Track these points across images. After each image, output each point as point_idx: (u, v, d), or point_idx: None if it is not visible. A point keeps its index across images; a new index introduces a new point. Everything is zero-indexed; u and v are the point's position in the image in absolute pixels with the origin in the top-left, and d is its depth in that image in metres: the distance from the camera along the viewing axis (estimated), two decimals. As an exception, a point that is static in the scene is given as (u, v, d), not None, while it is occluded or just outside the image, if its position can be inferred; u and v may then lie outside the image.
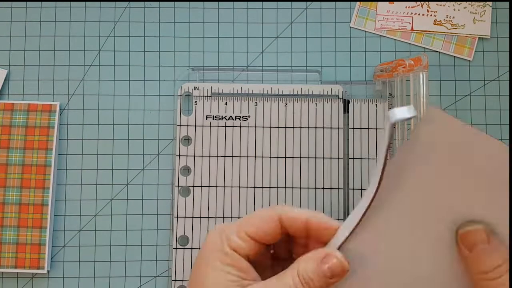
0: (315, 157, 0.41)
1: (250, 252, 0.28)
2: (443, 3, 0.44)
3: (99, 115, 0.43)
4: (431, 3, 0.44)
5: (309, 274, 0.27)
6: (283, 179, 0.41)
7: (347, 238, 0.27)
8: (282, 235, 0.29)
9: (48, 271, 0.41)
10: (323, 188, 0.41)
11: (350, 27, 0.44)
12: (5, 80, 0.43)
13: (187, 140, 0.42)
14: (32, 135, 0.41)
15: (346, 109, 0.42)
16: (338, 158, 0.41)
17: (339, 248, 0.27)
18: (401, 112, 0.24)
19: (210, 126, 0.42)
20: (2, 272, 0.41)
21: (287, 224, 0.28)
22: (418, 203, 0.27)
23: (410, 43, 0.44)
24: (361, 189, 0.41)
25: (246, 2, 0.44)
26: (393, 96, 0.41)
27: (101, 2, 0.44)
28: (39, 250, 0.40)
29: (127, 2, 0.44)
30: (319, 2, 0.44)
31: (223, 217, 0.41)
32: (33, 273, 0.41)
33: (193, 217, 0.41)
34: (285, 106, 0.42)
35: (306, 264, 0.27)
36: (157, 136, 0.43)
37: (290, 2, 0.44)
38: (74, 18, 0.44)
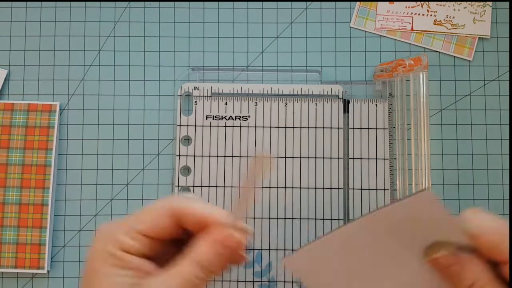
0: (315, 157, 0.41)
1: (147, 249, 0.26)
2: (443, 3, 0.44)
3: (99, 115, 0.43)
4: (431, 3, 0.44)
5: (203, 255, 0.26)
6: (283, 179, 0.41)
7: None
8: (181, 229, 0.27)
9: (48, 271, 0.41)
10: (323, 188, 0.41)
11: (350, 27, 0.44)
12: (5, 80, 0.43)
13: (187, 140, 0.42)
14: (32, 135, 0.41)
15: (346, 109, 0.42)
16: (338, 158, 0.41)
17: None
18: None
19: (210, 126, 0.42)
20: (2, 272, 0.41)
21: (182, 219, 0.27)
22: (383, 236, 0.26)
23: (410, 43, 0.44)
24: (361, 189, 0.41)
25: (246, 2, 0.44)
26: (393, 96, 0.41)
27: (101, 2, 0.44)
28: (39, 250, 0.40)
29: (127, 2, 0.44)
30: (319, 2, 0.44)
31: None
32: (33, 273, 0.41)
33: (193, 217, 0.41)
34: (285, 106, 0.42)
35: (202, 250, 0.26)
36: (157, 136, 0.43)
37: (290, 2, 0.44)
38: (74, 18, 0.44)
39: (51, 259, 0.41)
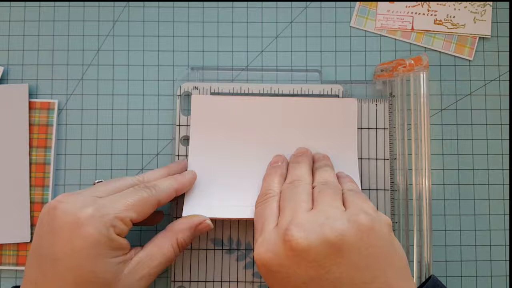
0: (315, 157, 0.41)
1: (127, 230, 0.32)
2: (443, 2, 0.43)
3: (98, 115, 0.42)
4: (431, 2, 0.43)
5: (186, 240, 0.34)
6: (283, 179, 0.41)
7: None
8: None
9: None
10: (323, 188, 0.41)
11: (350, 26, 0.44)
12: (4, 79, 0.42)
13: (186, 140, 0.41)
14: (31, 133, 0.41)
15: (346, 109, 0.42)
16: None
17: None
18: None
19: (210, 126, 0.41)
20: (1, 271, 0.41)
21: (165, 201, 0.34)
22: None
23: (410, 43, 0.43)
24: (361, 189, 0.41)
25: (246, 2, 0.44)
26: (394, 96, 0.41)
27: (100, 1, 0.44)
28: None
29: (126, 2, 0.44)
30: (319, 2, 0.44)
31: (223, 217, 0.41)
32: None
33: (192, 217, 0.41)
34: (285, 106, 0.42)
35: (184, 233, 0.34)
36: (156, 136, 0.42)
37: (290, 2, 0.44)
38: (72, 18, 0.43)
39: (50, 259, 0.41)
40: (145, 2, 0.44)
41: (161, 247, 0.33)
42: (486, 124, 0.43)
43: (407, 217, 0.39)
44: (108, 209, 0.31)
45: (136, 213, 0.32)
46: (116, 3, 0.44)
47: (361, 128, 0.41)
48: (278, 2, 0.44)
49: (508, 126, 0.42)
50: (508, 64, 0.43)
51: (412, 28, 0.43)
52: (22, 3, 0.43)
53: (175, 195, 0.36)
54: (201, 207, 0.37)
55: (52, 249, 0.29)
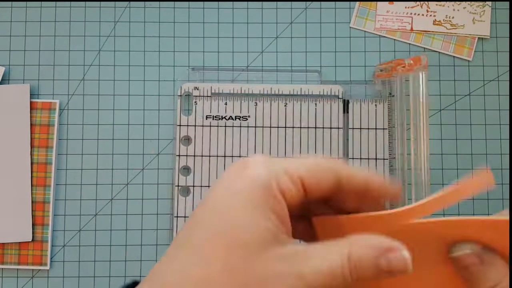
0: (315, 157, 0.41)
1: (292, 201, 0.23)
2: (442, 3, 0.44)
3: (99, 115, 0.43)
4: (430, 3, 0.44)
5: (363, 262, 0.22)
6: (283, 179, 0.41)
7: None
8: (330, 192, 0.24)
9: (48, 270, 0.41)
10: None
11: (350, 27, 0.44)
12: (5, 80, 0.43)
13: (187, 140, 0.42)
14: (32, 133, 0.42)
15: (346, 109, 0.42)
16: (338, 158, 0.41)
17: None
18: None
19: (210, 126, 0.42)
20: (3, 270, 0.41)
21: (345, 180, 0.24)
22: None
23: (409, 43, 0.44)
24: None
25: (246, 2, 0.44)
26: (393, 96, 0.41)
27: (101, 2, 0.44)
28: (42, 247, 0.41)
29: (127, 2, 0.44)
30: (318, 2, 0.44)
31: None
32: (33, 270, 0.41)
33: (193, 217, 0.41)
34: (285, 106, 0.42)
35: (361, 250, 0.22)
36: (157, 136, 0.43)
37: (290, 2, 0.44)
38: (74, 18, 0.44)
39: (51, 258, 0.41)
40: (146, 3, 0.44)
41: (325, 251, 0.23)
42: (485, 124, 0.43)
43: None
44: (278, 161, 0.23)
45: (309, 171, 0.23)
46: (117, 3, 0.44)
47: (360, 128, 0.42)
48: (278, 3, 0.44)
49: (507, 126, 0.43)
50: (508, 65, 0.43)
51: (411, 29, 0.44)
52: (24, 3, 0.44)
53: (366, 191, 0.25)
54: None
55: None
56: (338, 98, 0.42)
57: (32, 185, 0.41)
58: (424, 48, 0.44)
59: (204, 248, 0.21)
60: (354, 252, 0.22)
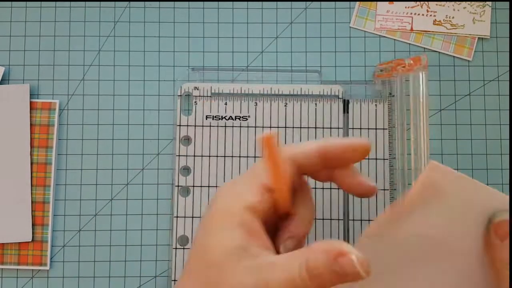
0: (315, 157, 0.41)
1: (265, 213, 0.26)
2: (442, 3, 0.44)
3: (99, 115, 0.43)
4: (430, 3, 0.44)
5: (320, 269, 0.22)
6: (283, 179, 0.41)
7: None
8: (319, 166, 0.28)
9: (47, 271, 0.41)
10: (322, 188, 0.41)
11: (350, 27, 0.44)
12: (5, 80, 0.43)
13: (187, 140, 0.42)
14: (32, 133, 0.42)
15: (346, 109, 0.42)
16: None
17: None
18: None
19: (210, 126, 0.42)
20: (2, 270, 0.41)
21: (328, 155, 0.28)
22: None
23: (409, 43, 0.44)
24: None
25: (246, 2, 0.44)
26: (393, 96, 0.41)
27: (101, 2, 0.44)
28: (42, 247, 0.40)
29: (127, 2, 0.44)
30: (318, 2, 0.44)
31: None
32: (33, 270, 0.41)
33: (193, 217, 0.41)
34: (285, 106, 0.42)
35: (316, 256, 0.23)
36: (156, 136, 0.43)
37: (290, 2, 0.44)
38: (74, 18, 0.44)
39: (51, 259, 0.41)
40: (146, 3, 0.44)
41: (288, 260, 0.24)
42: (485, 124, 0.43)
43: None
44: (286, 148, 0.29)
45: (297, 154, 0.28)
46: (117, 3, 0.44)
47: (360, 128, 0.42)
48: (278, 3, 0.44)
49: (507, 126, 0.43)
50: (508, 65, 0.43)
51: (412, 29, 0.44)
52: (24, 3, 0.44)
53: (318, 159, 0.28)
54: None
55: None
56: (338, 98, 0.42)
57: (32, 185, 0.41)
58: (424, 48, 0.44)
59: (192, 271, 0.26)
60: (310, 260, 0.23)
